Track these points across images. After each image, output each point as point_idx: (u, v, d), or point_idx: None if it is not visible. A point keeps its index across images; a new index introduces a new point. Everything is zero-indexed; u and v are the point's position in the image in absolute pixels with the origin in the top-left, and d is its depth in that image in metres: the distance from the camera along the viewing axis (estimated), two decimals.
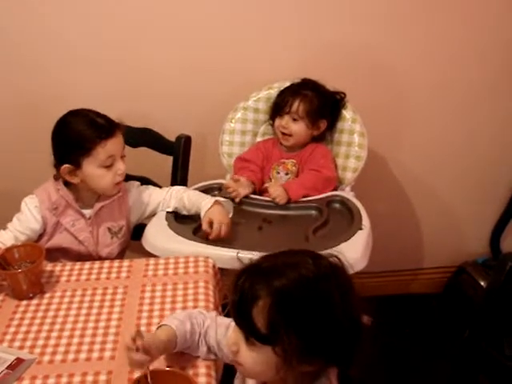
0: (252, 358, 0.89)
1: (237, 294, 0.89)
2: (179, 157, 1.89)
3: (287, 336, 0.84)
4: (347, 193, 1.87)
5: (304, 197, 1.79)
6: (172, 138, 1.90)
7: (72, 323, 1.28)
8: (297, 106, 1.84)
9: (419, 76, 2.13)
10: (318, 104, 1.85)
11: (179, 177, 1.90)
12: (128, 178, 1.76)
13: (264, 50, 2.03)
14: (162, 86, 2.06)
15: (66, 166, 1.58)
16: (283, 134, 1.89)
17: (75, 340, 1.23)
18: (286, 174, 1.91)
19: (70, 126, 1.59)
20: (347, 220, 1.69)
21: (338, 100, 1.92)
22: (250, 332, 0.88)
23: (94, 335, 1.24)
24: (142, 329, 1.23)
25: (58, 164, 1.60)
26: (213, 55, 2.02)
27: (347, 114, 1.92)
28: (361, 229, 1.61)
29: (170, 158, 1.92)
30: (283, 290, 0.85)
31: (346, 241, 1.54)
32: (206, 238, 1.60)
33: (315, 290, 0.85)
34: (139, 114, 2.02)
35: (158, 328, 1.12)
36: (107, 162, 1.58)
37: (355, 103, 1.94)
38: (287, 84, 1.93)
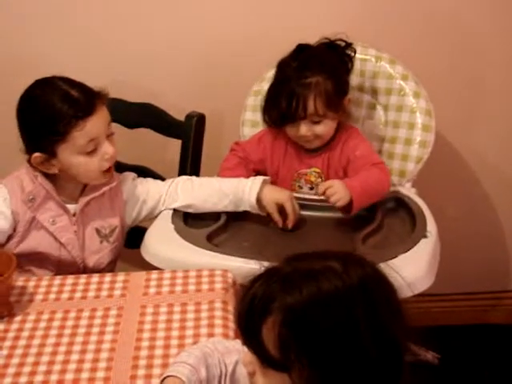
0: None
1: (245, 305, 0.90)
2: (190, 141, 1.89)
3: (300, 362, 0.85)
4: (408, 190, 1.85)
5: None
6: (181, 116, 1.90)
7: (50, 355, 1.26)
8: (313, 105, 1.72)
9: (500, 49, 2.12)
10: (334, 86, 1.74)
11: (189, 166, 1.90)
12: (124, 167, 1.79)
13: (292, 7, 2.03)
14: (168, 52, 2.06)
15: (37, 155, 1.57)
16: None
17: (53, 377, 1.20)
18: (311, 188, 1.88)
19: (37, 102, 1.56)
20: (407, 225, 1.69)
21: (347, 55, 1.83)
22: (259, 354, 0.89)
23: (78, 370, 1.21)
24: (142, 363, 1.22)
25: (27, 151, 1.60)
26: (232, 11, 2.03)
27: (407, 85, 1.89)
28: (425, 236, 1.59)
29: (178, 143, 1.91)
30: (294, 307, 0.86)
31: (405, 252, 1.53)
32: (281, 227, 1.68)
33: (333, 309, 0.86)
34: (139, 85, 2.03)
35: (162, 381, 1.09)
36: (89, 147, 1.57)
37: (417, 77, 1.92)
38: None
